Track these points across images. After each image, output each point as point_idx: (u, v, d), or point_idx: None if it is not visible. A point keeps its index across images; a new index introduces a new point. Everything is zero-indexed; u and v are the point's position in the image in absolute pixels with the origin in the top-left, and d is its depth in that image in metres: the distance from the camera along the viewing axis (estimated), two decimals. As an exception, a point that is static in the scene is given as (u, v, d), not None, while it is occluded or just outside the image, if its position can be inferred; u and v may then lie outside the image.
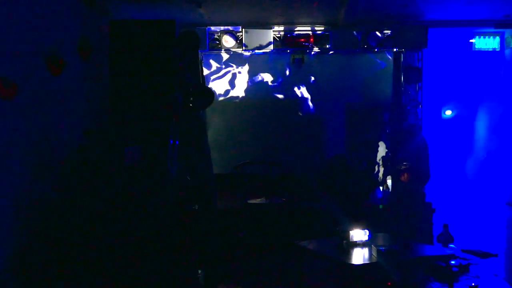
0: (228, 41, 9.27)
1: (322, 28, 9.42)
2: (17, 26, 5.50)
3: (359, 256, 4.86)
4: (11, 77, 5.26)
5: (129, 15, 8.31)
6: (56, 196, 5.88)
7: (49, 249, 5.53)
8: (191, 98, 6.07)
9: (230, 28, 9.32)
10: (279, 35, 9.40)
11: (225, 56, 9.91)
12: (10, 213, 5.31)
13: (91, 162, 5.93)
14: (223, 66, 9.99)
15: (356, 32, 9.29)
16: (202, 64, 9.53)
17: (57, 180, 5.95)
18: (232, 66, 9.93)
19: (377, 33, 9.26)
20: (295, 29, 9.45)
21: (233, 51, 9.49)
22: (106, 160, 5.91)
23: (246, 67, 9.95)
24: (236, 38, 9.30)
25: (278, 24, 9.39)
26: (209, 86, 9.55)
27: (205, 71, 9.75)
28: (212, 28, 9.36)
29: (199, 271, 6.12)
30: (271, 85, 9.96)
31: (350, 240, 5.05)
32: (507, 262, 6.83)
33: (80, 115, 6.93)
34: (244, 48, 9.20)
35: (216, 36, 9.37)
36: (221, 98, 9.91)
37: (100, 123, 7.28)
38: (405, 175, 7.38)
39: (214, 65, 9.97)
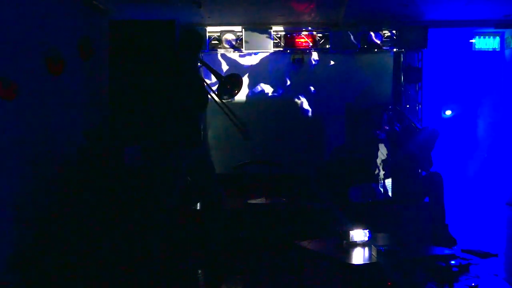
0: (228, 42, 9.26)
1: (322, 29, 9.42)
2: (17, 26, 5.50)
3: (359, 256, 4.86)
4: (11, 77, 5.26)
5: (129, 15, 8.31)
6: (56, 196, 5.89)
7: (49, 249, 5.54)
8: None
9: (230, 28, 9.32)
10: (278, 36, 9.40)
11: (225, 67, 9.83)
12: (10, 213, 5.31)
13: (91, 162, 5.93)
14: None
15: (356, 32, 9.28)
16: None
17: (57, 180, 5.95)
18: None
19: (377, 33, 9.25)
20: (295, 30, 9.45)
21: (233, 51, 9.48)
22: (106, 160, 5.91)
23: (246, 72, 9.88)
24: (236, 38, 9.30)
25: (278, 24, 9.39)
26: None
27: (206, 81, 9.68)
28: (212, 28, 9.36)
29: (199, 271, 6.12)
30: (271, 84, 9.94)
31: (350, 240, 5.05)
32: (507, 262, 6.80)
33: (80, 115, 6.93)
34: (244, 48, 9.19)
35: (216, 36, 9.37)
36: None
37: (100, 123, 7.27)
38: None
39: None
